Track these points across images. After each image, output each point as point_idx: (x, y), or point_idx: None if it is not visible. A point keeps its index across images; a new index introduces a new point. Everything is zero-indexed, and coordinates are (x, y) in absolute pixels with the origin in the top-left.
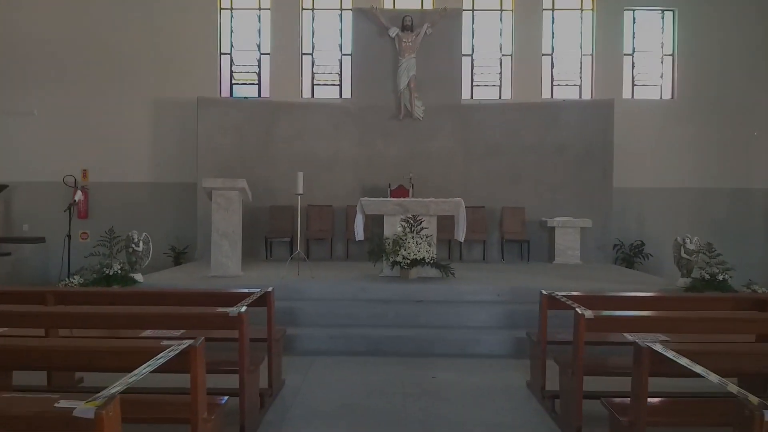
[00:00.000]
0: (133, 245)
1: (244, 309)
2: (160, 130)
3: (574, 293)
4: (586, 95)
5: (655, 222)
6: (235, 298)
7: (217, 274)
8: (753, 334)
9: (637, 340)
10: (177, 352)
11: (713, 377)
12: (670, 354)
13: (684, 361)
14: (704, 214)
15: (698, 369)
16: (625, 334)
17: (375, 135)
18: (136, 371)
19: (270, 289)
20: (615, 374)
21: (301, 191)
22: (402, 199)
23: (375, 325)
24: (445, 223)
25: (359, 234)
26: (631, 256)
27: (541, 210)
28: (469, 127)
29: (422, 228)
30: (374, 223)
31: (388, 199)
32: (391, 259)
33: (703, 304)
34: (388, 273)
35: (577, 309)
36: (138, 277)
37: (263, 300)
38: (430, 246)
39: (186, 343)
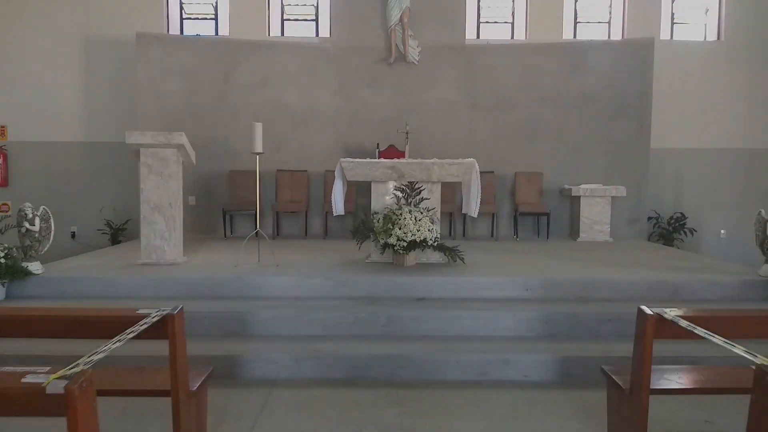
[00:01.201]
0: (27, 223)
1: (85, 371)
2: (94, 78)
3: (690, 313)
4: (616, 35)
5: (695, 190)
6: (114, 325)
7: (148, 262)
8: None
9: None
10: None
11: None
12: None
13: None
14: (754, 181)
15: None
16: None
17: (360, 83)
18: None
19: (176, 309)
20: None
21: (260, 149)
22: (396, 160)
23: (359, 336)
24: (446, 193)
25: (338, 208)
26: (669, 231)
27: (562, 175)
28: (475, 74)
29: (422, 199)
30: (360, 192)
31: (378, 160)
32: (382, 241)
33: None
34: (378, 258)
35: (758, 361)
36: (34, 266)
37: (161, 329)
38: (433, 223)
39: None
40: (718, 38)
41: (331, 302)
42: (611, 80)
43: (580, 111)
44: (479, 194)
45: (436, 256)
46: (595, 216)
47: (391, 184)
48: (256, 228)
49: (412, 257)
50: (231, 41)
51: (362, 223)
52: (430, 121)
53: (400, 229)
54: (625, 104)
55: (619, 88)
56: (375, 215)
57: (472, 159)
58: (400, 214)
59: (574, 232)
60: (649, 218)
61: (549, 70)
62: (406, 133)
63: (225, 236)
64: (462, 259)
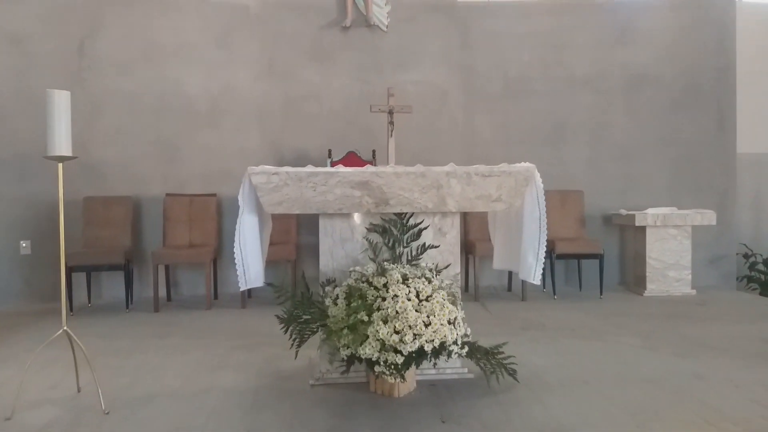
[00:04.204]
0: None
1: None
2: None
3: None
4: None
5: None
6: None
7: None
8: None
9: None
10: None
11: None
12: None
13: None
14: None
15: None
16: None
17: (300, 59)
18: None
19: None
20: None
21: (65, 150)
22: (372, 169)
23: None
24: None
25: (251, 273)
26: None
27: (603, 194)
28: (474, 46)
29: (424, 248)
30: (306, 226)
31: (335, 169)
32: (346, 351)
33: None
34: (334, 377)
35: None
36: None
37: None
38: (455, 303)
39: None
40: None
41: None
42: (674, 54)
43: (629, 99)
44: (544, 236)
45: (454, 365)
46: (670, 256)
47: (358, 219)
48: (63, 324)
49: (410, 379)
50: None
51: (301, 306)
52: (407, 115)
53: (386, 323)
54: (697, 88)
55: (687, 65)
56: (328, 286)
57: (528, 164)
58: (385, 285)
59: (635, 281)
60: (742, 255)
61: (581, 40)
62: (390, 112)
63: (72, 310)
64: (513, 374)
